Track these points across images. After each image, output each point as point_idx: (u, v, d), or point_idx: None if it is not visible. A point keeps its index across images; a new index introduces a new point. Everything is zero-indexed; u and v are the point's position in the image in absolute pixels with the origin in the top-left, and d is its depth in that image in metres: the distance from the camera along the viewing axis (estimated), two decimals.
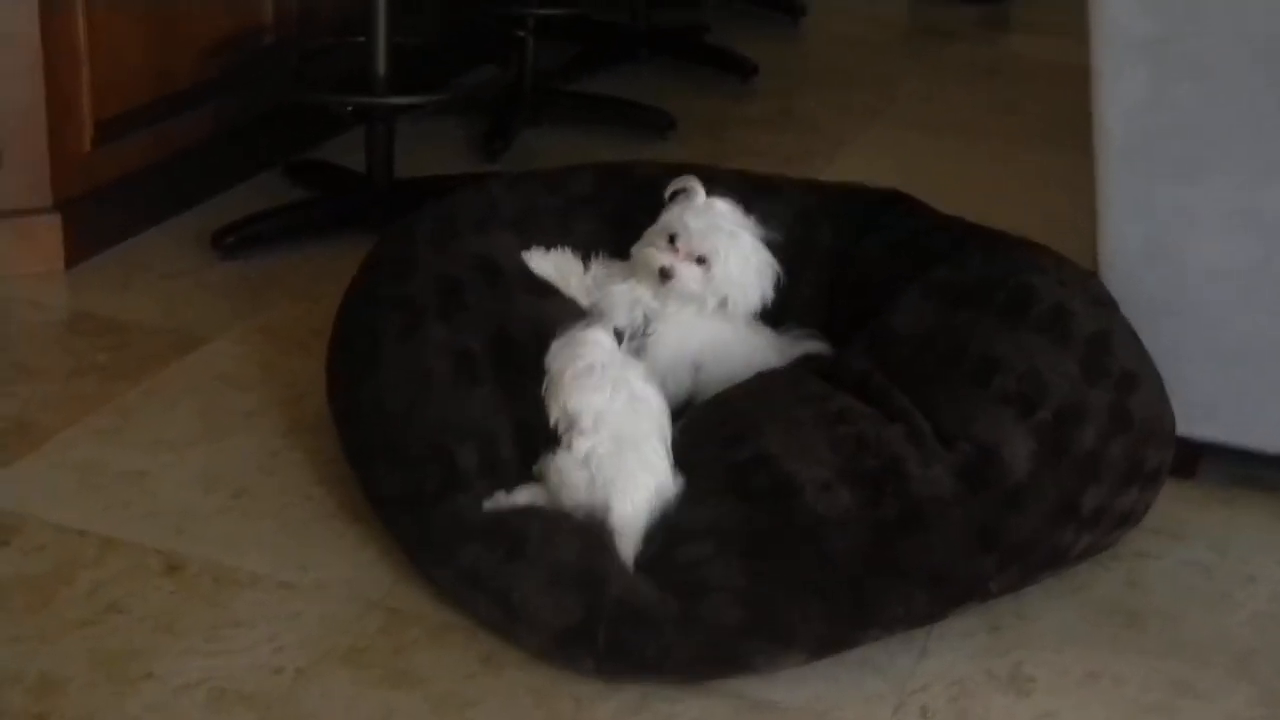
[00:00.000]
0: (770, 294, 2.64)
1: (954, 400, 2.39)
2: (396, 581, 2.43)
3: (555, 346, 2.31)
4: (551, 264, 2.71)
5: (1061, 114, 4.38)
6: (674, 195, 2.64)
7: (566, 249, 2.73)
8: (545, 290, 2.66)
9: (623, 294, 2.64)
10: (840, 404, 2.38)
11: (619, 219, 2.70)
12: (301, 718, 2.16)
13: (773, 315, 2.76)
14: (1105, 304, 2.56)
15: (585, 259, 2.72)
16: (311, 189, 3.81)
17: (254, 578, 2.42)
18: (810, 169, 4.01)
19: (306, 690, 2.21)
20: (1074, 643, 2.38)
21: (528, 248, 2.73)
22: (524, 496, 2.34)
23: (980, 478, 2.30)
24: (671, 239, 2.59)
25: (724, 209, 2.62)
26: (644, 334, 2.60)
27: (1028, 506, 2.31)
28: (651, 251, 2.59)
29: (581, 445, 2.27)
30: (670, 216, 2.60)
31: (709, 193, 2.63)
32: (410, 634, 2.32)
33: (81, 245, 3.37)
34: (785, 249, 2.79)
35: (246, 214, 3.57)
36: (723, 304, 2.60)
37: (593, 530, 2.26)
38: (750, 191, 2.86)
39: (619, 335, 2.52)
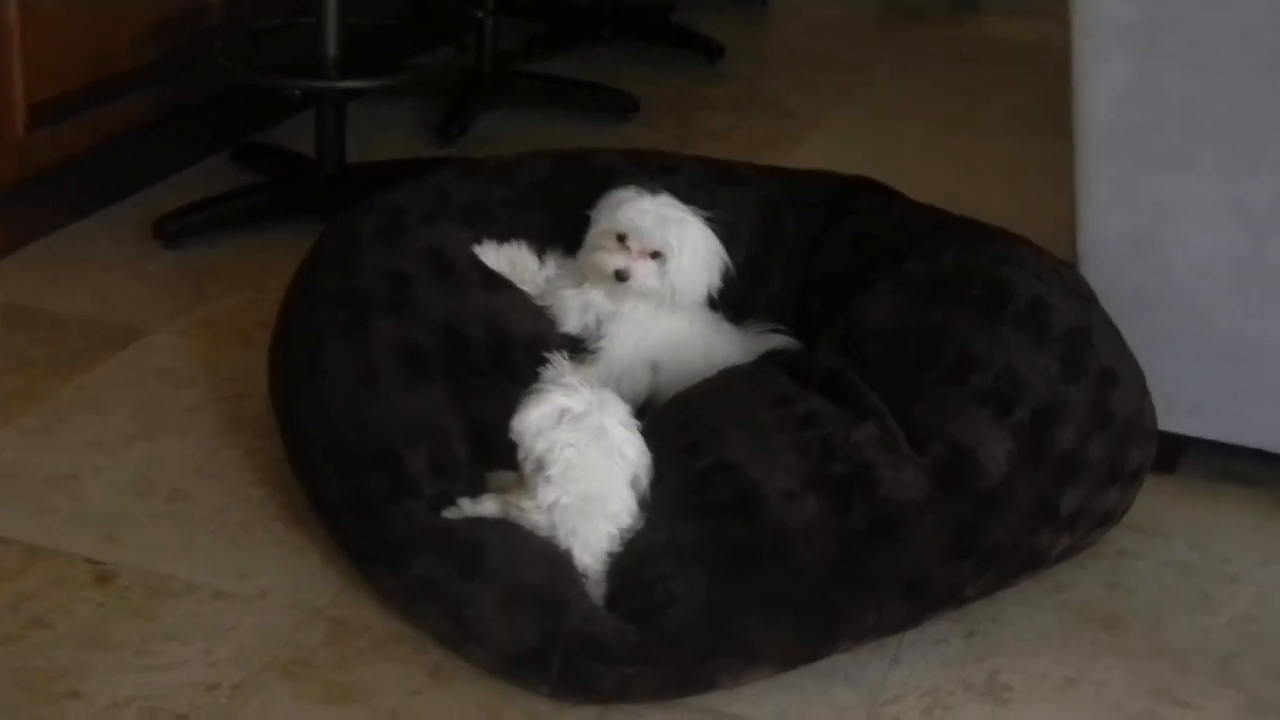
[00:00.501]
0: (718, 282, 2.54)
1: (928, 399, 2.28)
2: (341, 589, 2.31)
3: (528, 398, 2.19)
4: (506, 258, 2.60)
5: (1037, 97, 4.28)
6: (612, 199, 2.53)
7: (521, 243, 2.62)
8: (498, 284, 2.55)
9: (573, 299, 2.54)
10: (807, 406, 2.26)
11: (575, 210, 2.57)
12: None
13: (737, 309, 2.66)
14: (1085, 297, 2.46)
15: (540, 253, 2.61)
16: (259, 174, 3.69)
17: (189, 587, 2.30)
18: (777, 153, 3.91)
19: (243, 707, 2.09)
20: (1052, 647, 2.28)
21: (480, 241, 2.62)
22: (489, 508, 2.21)
23: (955, 481, 2.19)
24: (620, 238, 2.48)
25: (666, 200, 2.52)
26: (598, 337, 2.50)
27: (1005, 510, 2.21)
28: (602, 256, 2.49)
29: (547, 495, 2.15)
30: (617, 216, 2.50)
31: (656, 188, 2.54)
32: (355, 645, 2.21)
33: (14, 234, 3.24)
34: (750, 240, 2.70)
35: (190, 201, 3.45)
36: (673, 296, 2.49)
37: (560, 556, 2.15)
38: (713, 180, 2.76)
39: (573, 342, 2.47)
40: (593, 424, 2.12)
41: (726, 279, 2.56)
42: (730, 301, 2.67)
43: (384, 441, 2.29)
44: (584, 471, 2.12)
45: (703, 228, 2.52)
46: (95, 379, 2.84)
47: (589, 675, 2.06)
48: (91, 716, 2.05)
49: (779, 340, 2.65)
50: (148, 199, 3.50)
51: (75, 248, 3.30)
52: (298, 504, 2.45)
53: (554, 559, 2.14)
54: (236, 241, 3.36)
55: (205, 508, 2.49)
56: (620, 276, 2.46)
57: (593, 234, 2.53)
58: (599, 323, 2.52)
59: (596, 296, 2.52)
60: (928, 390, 2.31)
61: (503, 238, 2.63)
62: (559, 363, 2.48)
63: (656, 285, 2.48)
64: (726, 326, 2.63)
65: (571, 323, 2.53)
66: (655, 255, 2.48)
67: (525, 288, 2.58)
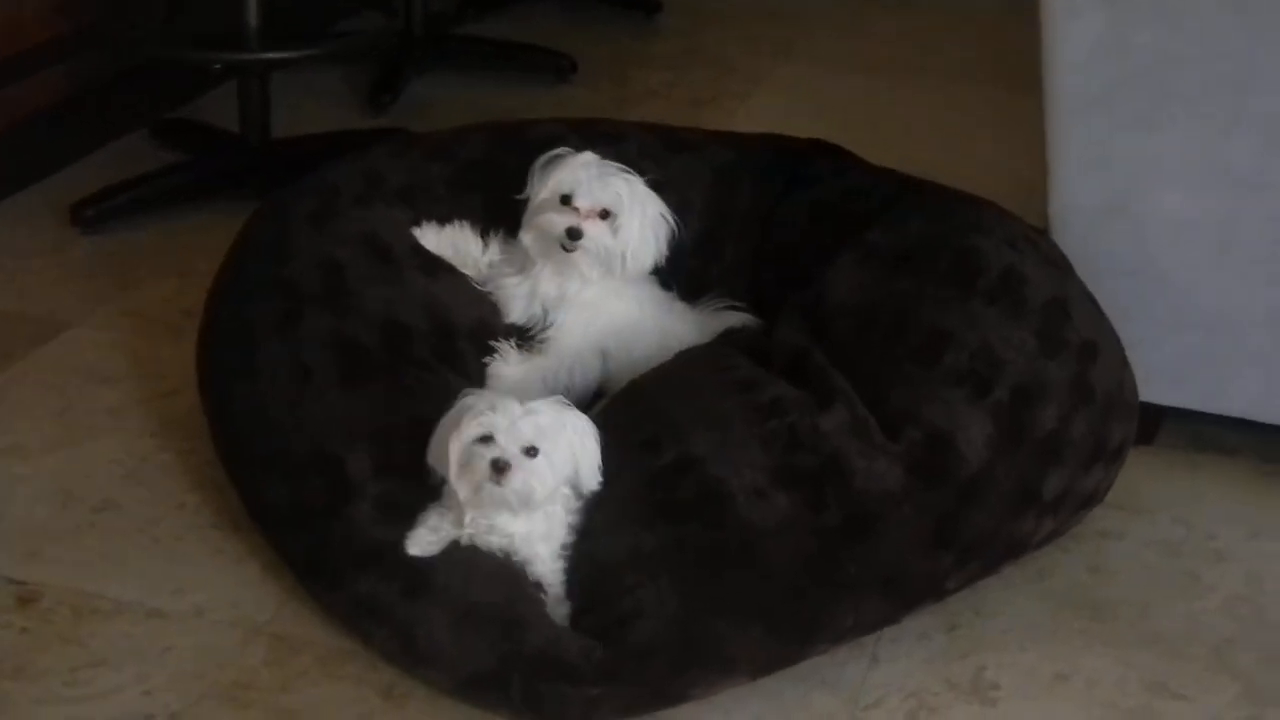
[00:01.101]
0: (665, 250, 2.41)
1: (900, 381, 2.16)
2: (283, 603, 2.18)
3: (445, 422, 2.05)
4: (447, 241, 2.45)
5: (997, 48, 4.10)
6: (547, 163, 2.40)
7: (464, 224, 2.47)
8: (438, 269, 2.41)
9: (518, 287, 2.41)
10: (771, 392, 2.13)
11: (517, 186, 2.41)
12: None
13: (689, 285, 2.53)
14: (1059, 266, 2.35)
15: (484, 234, 2.47)
16: (181, 152, 3.53)
17: (120, 606, 2.17)
18: (722, 112, 3.78)
19: None
20: (1039, 640, 2.17)
21: (418, 223, 2.48)
22: (432, 521, 2.07)
23: (933, 470, 2.07)
24: (565, 200, 2.33)
25: (607, 160, 2.39)
26: (544, 326, 2.38)
27: (986, 497, 2.09)
28: (550, 217, 2.33)
29: (509, 524, 2.03)
30: (560, 176, 2.36)
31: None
32: (299, 664, 2.08)
33: None
34: (702, 210, 2.57)
35: (108, 183, 3.29)
36: (623, 261, 2.36)
37: (517, 573, 2.01)
38: (663, 147, 2.63)
39: (520, 330, 2.34)
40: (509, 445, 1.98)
41: (677, 248, 2.44)
42: (682, 277, 2.54)
43: (323, 444, 2.14)
44: (496, 496, 1.99)
45: (648, 189, 2.40)
46: (11, 379, 2.69)
47: (553, 698, 1.94)
48: None
49: (736, 318, 2.52)
50: (62, 182, 3.34)
51: None
52: (234, 509, 2.31)
53: (510, 577, 2.00)
54: (159, 224, 3.21)
55: (135, 518, 2.35)
56: (572, 235, 2.32)
57: (535, 201, 2.39)
58: (546, 312, 2.39)
59: (543, 283, 2.39)
60: (899, 371, 2.18)
61: (443, 219, 2.48)
62: (506, 352, 2.35)
63: (610, 245, 2.34)
64: (680, 306, 2.50)
65: (517, 312, 2.41)
66: (604, 215, 2.34)
67: (468, 272, 2.44)
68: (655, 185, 2.42)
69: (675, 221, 2.41)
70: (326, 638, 2.11)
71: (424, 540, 2.03)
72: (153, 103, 3.63)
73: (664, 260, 2.43)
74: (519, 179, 2.43)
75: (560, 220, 2.34)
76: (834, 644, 2.06)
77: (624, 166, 2.39)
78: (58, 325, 2.84)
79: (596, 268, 2.36)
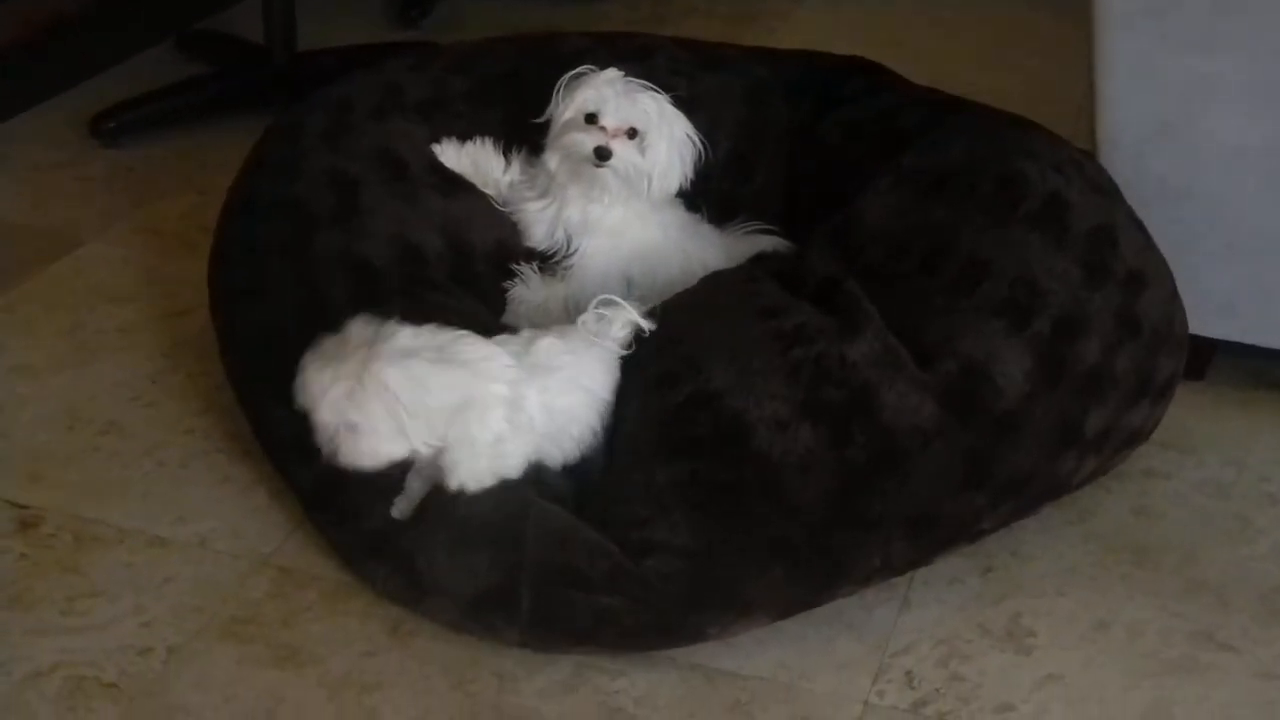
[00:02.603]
0: (691, 173, 2.31)
1: (935, 311, 2.05)
2: (289, 533, 2.11)
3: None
4: (468, 159, 2.35)
5: None
6: (571, 81, 2.29)
7: (485, 140, 2.37)
8: (457, 188, 2.30)
9: (540, 212, 2.31)
10: (797, 318, 2.02)
11: (541, 102, 2.30)
12: (171, 710, 1.84)
13: (719, 207, 2.43)
14: (1107, 192, 2.23)
15: (506, 152, 2.36)
16: (206, 64, 3.45)
17: (121, 534, 2.10)
18: (762, 31, 3.66)
19: (179, 674, 1.89)
20: (1078, 585, 2.08)
21: (437, 139, 2.37)
22: (413, 489, 1.98)
23: (967, 403, 1.96)
24: (589, 119, 2.23)
25: (632, 78, 2.29)
26: (568, 253, 2.28)
27: (1023, 434, 1.98)
28: (576, 136, 2.23)
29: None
30: (585, 94, 2.25)
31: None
32: (304, 599, 2.00)
33: None
34: (734, 130, 2.48)
35: (131, 95, 3.22)
36: (650, 181, 2.26)
37: (511, 488, 1.92)
38: (694, 64, 2.53)
39: (540, 255, 2.25)
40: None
41: (706, 169, 2.33)
42: (712, 199, 2.44)
43: None
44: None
45: (675, 108, 2.29)
46: (21, 295, 2.62)
47: (563, 608, 1.87)
48: (7, 688, 1.84)
49: (767, 241, 2.42)
50: (84, 94, 3.27)
51: (4, 148, 3.08)
52: (243, 434, 2.24)
53: (504, 493, 1.91)
54: (181, 139, 3.14)
55: (141, 441, 2.28)
56: (601, 154, 2.22)
57: (559, 121, 2.28)
58: (569, 237, 2.29)
59: (567, 208, 2.29)
60: (934, 300, 2.07)
61: (464, 135, 2.38)
62: (528, 276, 2.26)
63: (639, 164, 2.24)
64: (707, 229, 2.40)
65: (539, 237, 2.31)
66: (631, 135, 2.24)
67: (488, 192, 2.34)
68: (683, 103, 2.31)
69: (702, 141, 2.30)
70: (332, 571, 2.04)
71: (403, 507, 1.95)
72: (179, 13, 3.56)
73: (689, 183, 2.32)
74: (544, 95, 2.31)
75: (588, 140, 2.23)
76: (860, 586, 1.97)
77: (649, 84, 2.28)
78: (72, 241, 2.77)
79: (624, 189, 2.26)
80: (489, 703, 1.86)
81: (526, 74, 2.45)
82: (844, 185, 2.33)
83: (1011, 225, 2.12)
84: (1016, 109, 2.43)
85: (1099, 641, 1.98)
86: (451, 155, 2.37)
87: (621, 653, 1.92)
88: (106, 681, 1.86)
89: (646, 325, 2.01)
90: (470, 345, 1.91)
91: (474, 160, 2.37)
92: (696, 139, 2.29)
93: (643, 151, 2.25)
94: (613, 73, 2.27)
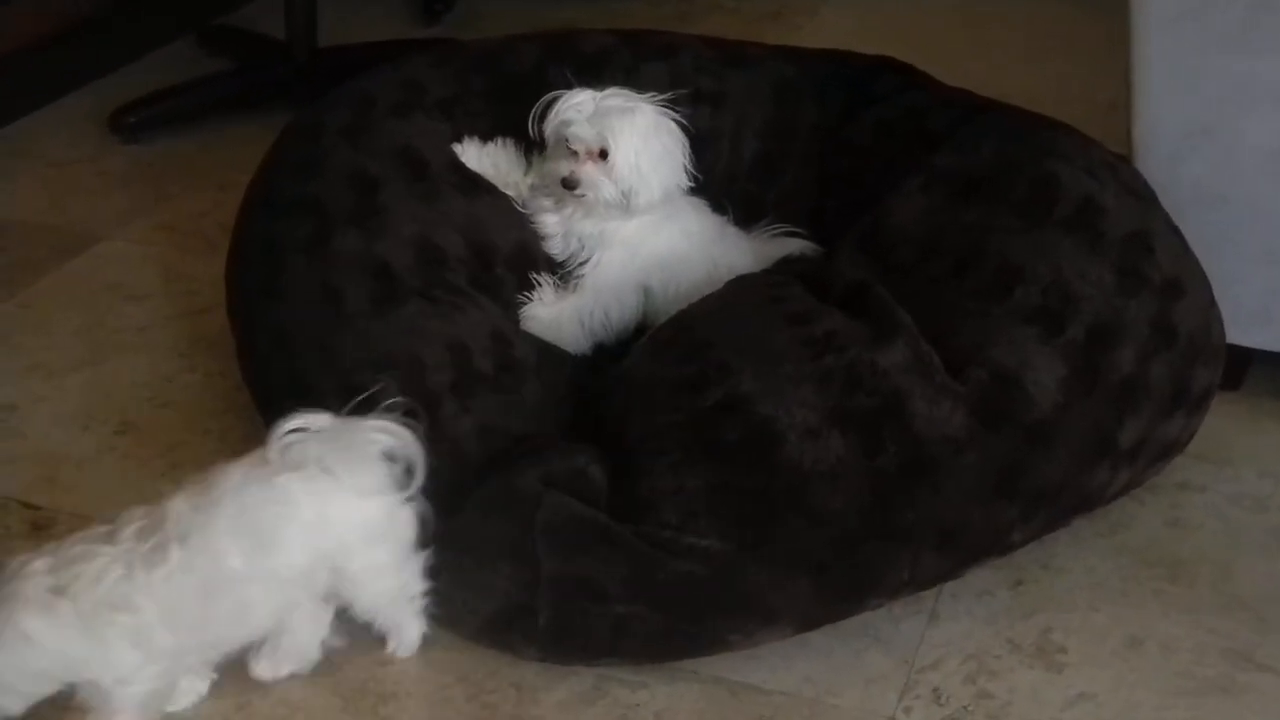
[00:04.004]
0: (682, 178, 2.26)
1: (965, 318, 2.01)
2: None
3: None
4: (489, 159, 2.32)
5: None
6: (545, 107, 2.27)
7: (507, 140, 2.34)
8: (478, 189, 2.27)
9: (554, 224, 2.29)
10: (827, 325, 1.98)
11: None
12: None
13: (746, 210, 2.40)
14: (1142, 196, 2.19)
15: (528, 153, 2.34)
16: (227, 60, 3.43)
17: None
18: (789, 29, 3.63)
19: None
20: (1110, 600, 2.03)
21: (459, 137, 2.34)
22: None
23: (999, 413, 1.92)
24: (568, 143, 2.22)
25: (613, 90, 2.26)
26: (581, 264, 2.25)
27: (1056, 445, 1.94)
28: (550, 166, 2.25)
29: None
30: (553, 121, 2.23)
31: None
32: None
33: None
34: (761, 130, 2.43)
35: (150, 91, 3.21)
36: (627, 199, 2.22)
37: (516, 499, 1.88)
38: (720, 62, 2.50)
39: (559, 265, 2.23)
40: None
41: (731, 170, 2.28)
42: (739, 200, 2.41)
43: (350, 374, 2.01)
44: None
45: (656, 116, 2.25)
46: (40, 293, 2.60)
47: (580, 621, 1.84)
48: None
49: (795, 245, 2.39)
50: (103, 90, 3.26)
51: (22, 144, 3.07)
52: (261, 437, 2.17)
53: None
54: (200, 135, 3.13)
55: (157, 443, 2.25)
56: (568, 185, 2.21)
57: (549, 146, 2.27)
58: (584, 246, 2.26)
59: (577, 222, 2.27)
60: (965, 306, 2.03)
61: (486, 135, 2.35)
62: (543, 290, 2.23)
63: (610, 188, 2.20)
64: (733, 232, 2.37)
65: (556, 248, 2.29)
66: (604, 155, 2.21)
67: (509, 193, 2.31)
68: (706, 100, 2.26)
69: (687, 143, 2.25)
70: None
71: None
72: (200, 9, 3.54)
73: (685, 186, 2.28)
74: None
75: (558, 169, 2.22)
76: (889, 599, 1.93)
77: (630, 94, 2.25)
78: (89, 238, 2.75)
79: (610, 207, 2.23)
80: (507, 714, 1.82)
81: (550, 73, 2.41)
82: (874, 187, 2.31)
83: (1045, 229, 2.08)
84: (1046, 110, 2.39)
85: (1131, 659, 1.93)
86: (473, 155, 2.33)
87: (643, 664, 1.88)
88: None
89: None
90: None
91: (495, 161, 2.34)
92: (685, 146, 2.25)
93: (610, 169, 2.21)
94: (582, 94, 2.23)
